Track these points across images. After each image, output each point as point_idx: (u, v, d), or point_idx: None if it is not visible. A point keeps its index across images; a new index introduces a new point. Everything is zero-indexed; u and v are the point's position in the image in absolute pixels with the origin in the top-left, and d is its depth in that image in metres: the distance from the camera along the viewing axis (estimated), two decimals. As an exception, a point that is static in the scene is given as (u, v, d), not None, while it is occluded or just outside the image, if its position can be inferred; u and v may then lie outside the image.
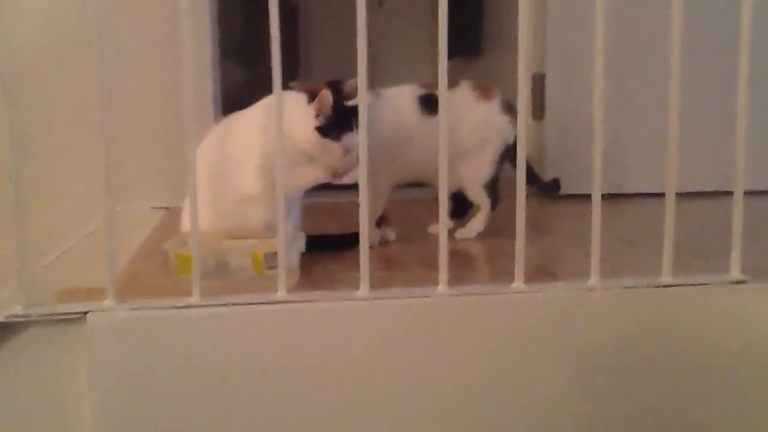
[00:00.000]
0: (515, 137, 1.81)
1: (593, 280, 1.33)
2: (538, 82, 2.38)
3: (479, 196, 1.83)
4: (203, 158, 1.51)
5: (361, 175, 1.26)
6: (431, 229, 1.86)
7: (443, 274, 1.29)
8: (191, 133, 1.23)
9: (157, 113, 2.27)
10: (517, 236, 1.30)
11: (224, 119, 1.62)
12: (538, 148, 2.45)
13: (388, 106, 1.70)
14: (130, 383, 1.22)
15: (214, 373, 1.23)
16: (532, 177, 1.91)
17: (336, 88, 1.48)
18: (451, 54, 3.17)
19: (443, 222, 1.28)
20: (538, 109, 2.42)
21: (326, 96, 1.46)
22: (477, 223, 1.85)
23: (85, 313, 1.20)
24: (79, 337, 1.20)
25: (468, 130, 1.77)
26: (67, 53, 2.17)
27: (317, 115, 1.48)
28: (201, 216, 1.24)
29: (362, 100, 1.25)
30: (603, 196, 2.27)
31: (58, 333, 1.21)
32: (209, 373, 1.23)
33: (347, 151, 1.47)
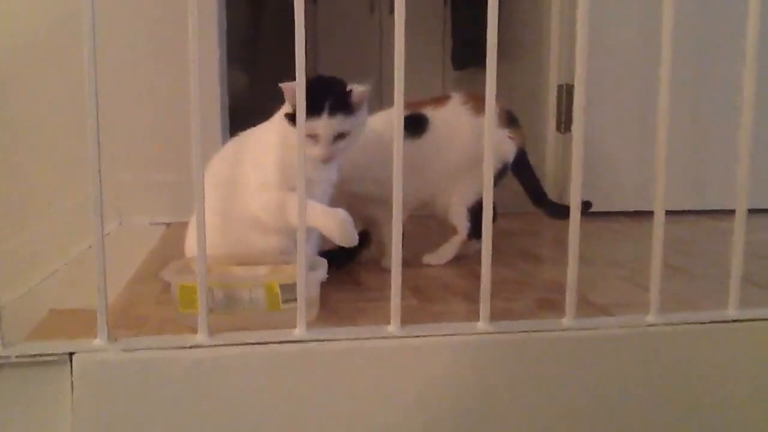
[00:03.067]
0: (516, 153, 1.62)
1: (652, 315, 1.13)
2: (567, 93, 2.19)
3: (459, 219, 1.61)
4: (213, 175, 1.31)
5: (395, 200, 1.05)
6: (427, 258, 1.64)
7: (485, 309, 1.08)
8: (198, 147, 1.01)
9: (159, 121, 2.09)
10: (569, 267, 1.10)
11: (241, 133, 1.41)
12: (563, 163, 2.25)
13: (369, 132, 1.45)
14: (123, 437, 1.00)
15: (222, 425, 1.01)
16: (540, 199, 1.70)
17: (320, 80, 1.30)
18: (467, 64, 2.99)
19: (486, 251, 1.07)
20: (565, 122, 2.22)
21: (286, 85, 1.26)
22: (448, 250, 1.63)
23: (71, 354, 0.98)
24: (64, 382, 0.99)
25: (460, 149, 1.56)
26: (64, 60, 1.98)
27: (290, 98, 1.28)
28: (207, 238, 1.03)
29: (399, 115, 1.04)
30: (626, 213, 2.12)
31: (39, 377, 0.99)
32: (216, 425, 1.01)
33: (314, 138, 1.27)
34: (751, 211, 1.16)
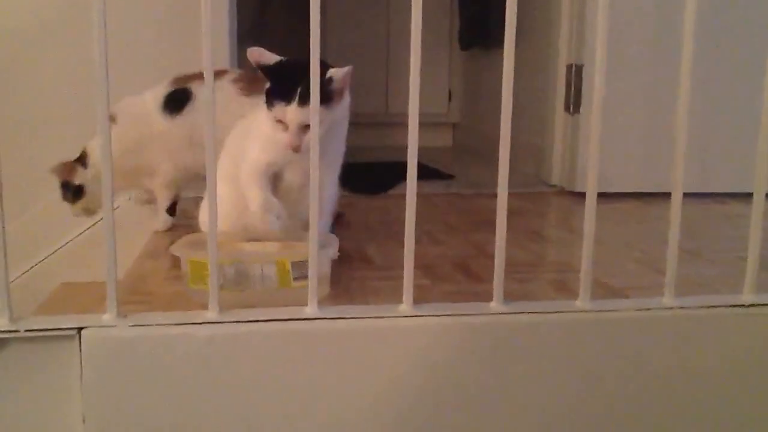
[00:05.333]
0: None
1: (668, 298, 1.09)
2: (576, 73, 2.14)
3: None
4: (226, 150, 1.27)
5: (409, 177, 1.01)
6: None
7: (498, 289, 1.05)
8: (211, 124, 0.97)
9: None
10: (584, 249, 1.06)
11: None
12: (571, 144, 2.21)
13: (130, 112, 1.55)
14: (131, 414, 0.97)
15: (232, 403, 0.98)
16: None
17: (297, 63, 1.15)
18: (474, 43, 2.93)
19: (501, 231, 1.03)
20: (574, 102, 2.17)
21: (250, 52, 1.20)
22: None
23: (80, 329, 0.95)
24: (72, 357, 0.96)
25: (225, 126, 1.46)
26: (76, 37, 1.95)
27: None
28: (219, 214, 0.99)
29: (413, 97, 1.00)
30: (631, 194, 2.08)
31: (47, 351, 0.96)
32: (226, 403, 0.98)
33: (284, 125, 1.20)
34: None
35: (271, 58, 1.22)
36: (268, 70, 1.21)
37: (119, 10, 1.96)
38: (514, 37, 1.01)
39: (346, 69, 1.19)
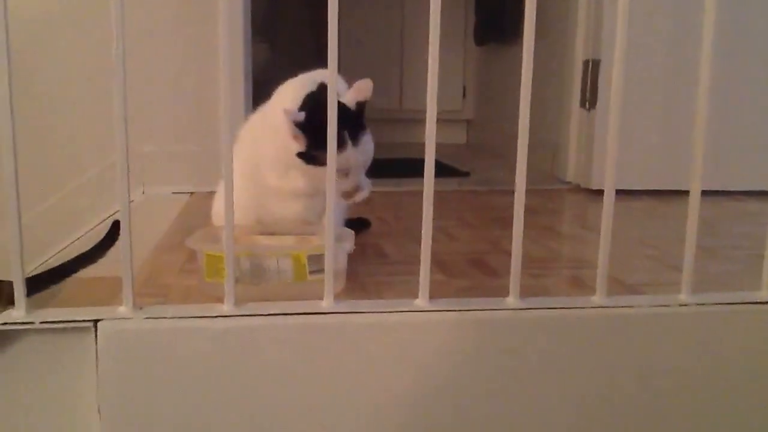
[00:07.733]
0: None
1: (685, 294, 1.09)
2: (592, 69, 2.13)
3: None
4: (241, 143, 1.28)
5: (426, 179, 1.01)
6: None
7: (515, 285, 1.05)
8: (227, 114, 0.98)
9: (181, 92, 2.06)
10: (601, 245, 1.06)
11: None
12: (587, 140, 2.20)
13: None
14: (146, 406, 0.97)
15: (246, 396, 0.99)
16: None
17: (317, 97, 1.06)
18: (488, 39, 2.92)
19: (518, 226, 1.03)
20: (590, 98, 2.16)
21: (290, 122, 1.11)
22: None
23: (96, 321, 0.96)
24: (88, 350, 0.96)
25: None
26: (87, 25, 1.96)
27: (294, 137, 1.13)
28: (234, 207, 1.00)
29: (432, 99, 1.00)
30: (646, 192, 2.08)
31: (63, 343, 0.97)
32: (240, 396, 0.99)
33: (344, 172, 1.15)
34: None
35: (300, 115, 1.12)
36: (305, 128, 1.12)
37: (136, 5, 1.99)
38: (533, 33, 1.01)
39: (365, 87, 1.18)
